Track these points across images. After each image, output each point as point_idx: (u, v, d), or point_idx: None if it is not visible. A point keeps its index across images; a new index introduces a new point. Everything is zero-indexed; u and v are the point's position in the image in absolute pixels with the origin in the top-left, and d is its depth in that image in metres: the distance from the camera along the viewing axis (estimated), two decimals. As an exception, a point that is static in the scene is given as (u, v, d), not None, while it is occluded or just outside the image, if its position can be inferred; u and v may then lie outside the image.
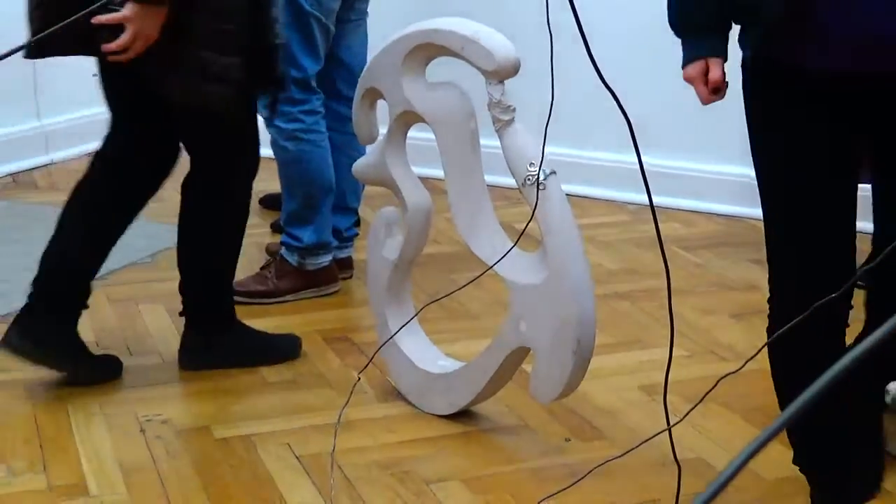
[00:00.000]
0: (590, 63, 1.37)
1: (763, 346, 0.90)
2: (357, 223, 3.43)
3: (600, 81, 1.43)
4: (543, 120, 1.89)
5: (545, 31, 1.71)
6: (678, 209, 4.07)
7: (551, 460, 2.31)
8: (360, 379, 2.27)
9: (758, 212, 4.00)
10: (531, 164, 2.12)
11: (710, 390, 0.95)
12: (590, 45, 1.26)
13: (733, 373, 0.88)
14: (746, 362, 0.89)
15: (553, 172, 2.13)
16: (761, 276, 3.47)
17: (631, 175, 3.84)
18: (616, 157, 4.11)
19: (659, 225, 1.63)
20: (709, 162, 4.12)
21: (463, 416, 2.47)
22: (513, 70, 2.15)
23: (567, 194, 2.19)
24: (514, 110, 2.16)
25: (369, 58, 2.46)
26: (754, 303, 3.25)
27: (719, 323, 3.08)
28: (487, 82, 2.17)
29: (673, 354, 1.65)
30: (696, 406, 0.94)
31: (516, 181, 2.16)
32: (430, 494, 2.16)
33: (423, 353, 2.54)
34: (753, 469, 2.21)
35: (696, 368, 2.74)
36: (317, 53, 3.10)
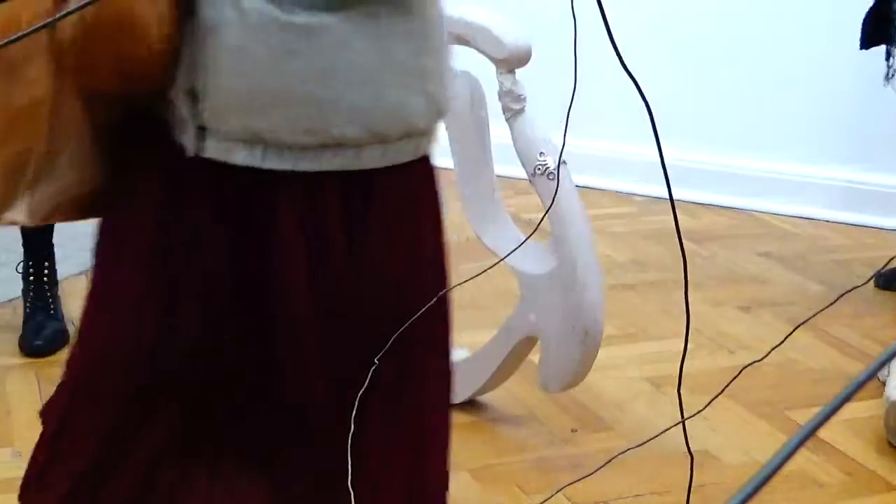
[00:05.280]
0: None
1: (787, 336, 0.89)
2: None
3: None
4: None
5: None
6: (684, 201, 4.07)
7: (558, 451, 2.31)
8: (377, 363, 2.26)
9: (764, 204, 3.99)
10: (541, 153, 2.11)
11: (733, 380, 0.94)
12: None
13: (758, 361, 0.87)
14: (770, 351, 0.88)
15: (564, 162, 2.12)
16: (769, 268, 3.48)
17: (638, 166, 3.87)
18: (623, 147, 4.10)
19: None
20: (715, 154, 4.11)
21: (469, 405, 2.46)
22: (524, 59, 2.13)
23: (575, 185, 2.18)
24: (525, 99, 2.15)
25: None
26: (762, 295, 3.25)
27: (726, 315, 3.07)
28: (498, 71, 2.16)
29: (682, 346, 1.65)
30: (716, 397, 0.94)
31: (526, 171, 2.15)
32: (435, 484, 2.16)
33: (429, 342, 2.53)
34: (760, 462, 2.20)
35: (703, 361, 2.73)
36: None
